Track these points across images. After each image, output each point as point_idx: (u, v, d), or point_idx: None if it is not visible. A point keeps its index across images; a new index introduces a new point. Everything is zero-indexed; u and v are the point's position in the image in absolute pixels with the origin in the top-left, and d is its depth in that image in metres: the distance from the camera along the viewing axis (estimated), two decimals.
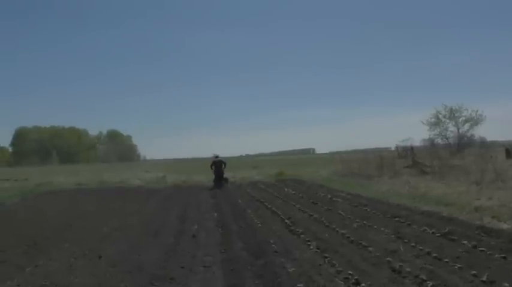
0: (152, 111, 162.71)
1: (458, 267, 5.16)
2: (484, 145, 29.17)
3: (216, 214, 10.90)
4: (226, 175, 21.17)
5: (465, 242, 6.37)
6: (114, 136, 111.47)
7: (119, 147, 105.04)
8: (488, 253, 5.74)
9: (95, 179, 26.07)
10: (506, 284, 4.39)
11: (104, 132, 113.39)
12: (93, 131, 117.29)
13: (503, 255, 5.54)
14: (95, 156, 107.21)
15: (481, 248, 5.96)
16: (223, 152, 22.86)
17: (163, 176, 26.22)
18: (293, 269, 5.45)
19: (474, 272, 4.88)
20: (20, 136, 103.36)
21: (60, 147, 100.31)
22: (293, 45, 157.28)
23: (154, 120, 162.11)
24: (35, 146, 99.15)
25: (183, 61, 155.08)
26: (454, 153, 27.54)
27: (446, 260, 5.48)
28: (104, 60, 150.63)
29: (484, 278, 4.65)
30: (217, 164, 20.83)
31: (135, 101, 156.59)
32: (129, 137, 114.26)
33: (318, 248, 6.56)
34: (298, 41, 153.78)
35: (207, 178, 22.76)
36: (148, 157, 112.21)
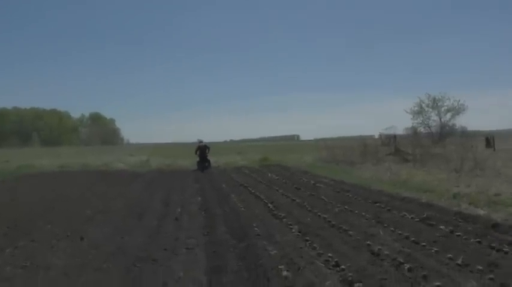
0: (136, 95, 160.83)
1: (435, 251, 5.31)
2: (465, 134, 29.70)
3: (199, 198, 10.92)
4: (209, 159, 21.61)
5: (442, 227, 6.55)
6: (96, 119, 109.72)
7: (101, 130, 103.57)
8: (464, 237, 5.92)
9: (77, 162, 25.76)
10: (480, 267, 4.54)
11: (87, 115, 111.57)
12: (75, 114, 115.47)
13: (478, 240, 5.72)
14: (77, 139, 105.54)
15: (457, 233, 6.14)
16: (208, 138, 23.10)
17: (147, 160, 26.09)
18: (275, 251, 5.53)
19: (450, 255, 5.04)
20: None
21: (41, 129, 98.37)
22: (278, 30, 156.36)
23: (138, 104, 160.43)
24: (15, 128, 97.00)
25: (168, 45, 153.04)
26: (435, 141, 28.04)
27: (424, 244, 5.63)
28: (88, 42, 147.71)
29: (459, 262, 4.81)
30: (202, 149, 21.40)
31: (119, 84, 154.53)
32: (112, 121, 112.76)
33: (299, 232, 6.66)
34: (283, 26, 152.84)
35: (191, 162, 22.77)
36: (131, 141, 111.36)
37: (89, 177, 18.37)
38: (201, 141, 21.96)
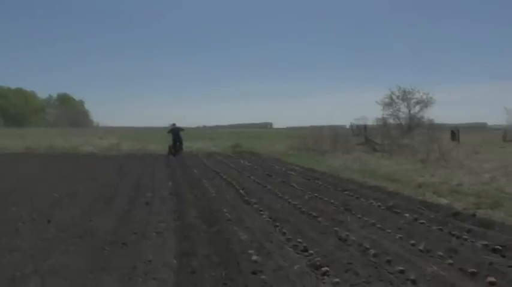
0: (107, 77, 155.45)
1: (399, 237, 5.52)
2: (432, 126, 30.63)
3: (170, 183, 10.87)
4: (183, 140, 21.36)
5: (407, 215, 6.79)
6: (65, 100, 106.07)
7: (70, 112, 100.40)
8: (427, 225, 6.16)
9: (43, 143, 25.02)
10: (440, 253, 4.75)
11: (54, 95, 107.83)
12: (42, 94, 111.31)
13: (439, 227, 5.97)
14: (43, 120, 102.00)
15: (421, 221, 6.38)
16: (181, 123, 22.67)
17: (117, 143, 25.62)
18: (245, 236, 5.60)
19: (413, 241, 5.24)
20: None
21: (5, 109, 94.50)
22: (253, 18, 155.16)
23: (109, 87, 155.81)
24: None
25: (140, 27, 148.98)
26: (404, 133, 28.76)
27: (389, 230, 5.84)
28: (59, 21, 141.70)
29: (421, 248, 5.01)
30: (175, 131, 21.12)
31: (89, 65, 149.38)
32: (81, 102, 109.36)
33: (270, 218, 6.75)
34: (258, 14, 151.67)
35: (163, 147, 22.55)
36: (101, 124, 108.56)
37: (56, 159, 17.90)
38: (173, 124, 21.68)
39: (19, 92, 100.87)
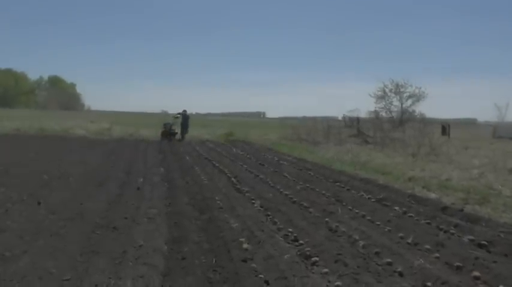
0: (100, 61, 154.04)
1: (388, 230, 5.60)
2: (423, 120, 30.83)
3: (162, 169, 10.84)
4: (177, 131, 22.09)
5: (396, 208, 6.87)
6: (56, 82, 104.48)
7: (61, 94, 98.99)
8: (415, 218, 6.24)
9: (34, 125, 24.70)
10: (428, 246, 4.83)
11: (45, 77, 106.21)
12: (33, 76, 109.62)
13: (428, 221, 6.06)
14: (33, 102, 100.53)
15: (409, 214, 6.46)
16: (173, 109, 23.09)
17: (108, 127, 25.41)
18: (236, 224, 5.63)
19: (401, 234, 5.32)
20: None
21: None
22: (249, 7, 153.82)
23: (102, 70, 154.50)
24: None
25: (133, 12, 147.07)
26: (396, 126, 28.93)
27: (378, 223, 5.91)
28: (51, 3, 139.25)
29: (410, 241, 5.10)
30: (185, 117, 22.45)
31: (82, 48, 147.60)
32: (72, 85, 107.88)
33: (261, 207, 6.79)
34: (254, 5, 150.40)
35: (155, 133, 22.47)
36: (93, 108, 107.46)
37: (46, 142, 17.73)
38: (184, 111, 22.78)
39: (9, 72, 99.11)
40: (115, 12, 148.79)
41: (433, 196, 8.15)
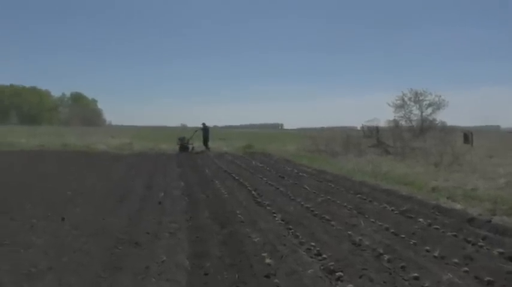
0: (120, 76, 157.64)
1: (413, 243, 5.45)
2: (444, 129, 30.23)
3: (182, 183, 10.89)
4: (194, 144, 23.24)
5: (421, 219, 6.71)
6: (78, 99, 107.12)
7: (83, 110, 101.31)
8: (441, 230, 6.07)
9: (57, 141, 25.33)
10: (456, 260, 4.69)
11: (68, 94, 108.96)
12: (56, 93, 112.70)
13: (454, 233, 5.88)
14: (56, 119, 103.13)
15: (435, 226, 6.29)
16: (191, 123, 23.66)
17: (129, 142, 25.81)
18: (258, 238, 5.59)
19: (427, 247, 5.18)
20: None
21: (19, 107, 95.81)
22: (264, 20, 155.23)
23: (122, 86, 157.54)
24: None
25: (155, 28, 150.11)
26: (416, 135, 28.46)
27: (403, 235, 5.77)
28: (74, 21, 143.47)
29: (436, 254, 4.95)
30: (206, 129, 24.02)
31: (103, 65, 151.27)
32: (94, 101, 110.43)
33: (282, 220, 6.72)
34: (271, 18, 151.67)
35: (173, 146, 22.76)
36: (114, 123, 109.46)
37: (69, 157, 18.09)
38: (203, 124, 24.16)
39: (33, 90, 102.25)
40: (134, 31, 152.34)
41: (458, 206, 7.92)
